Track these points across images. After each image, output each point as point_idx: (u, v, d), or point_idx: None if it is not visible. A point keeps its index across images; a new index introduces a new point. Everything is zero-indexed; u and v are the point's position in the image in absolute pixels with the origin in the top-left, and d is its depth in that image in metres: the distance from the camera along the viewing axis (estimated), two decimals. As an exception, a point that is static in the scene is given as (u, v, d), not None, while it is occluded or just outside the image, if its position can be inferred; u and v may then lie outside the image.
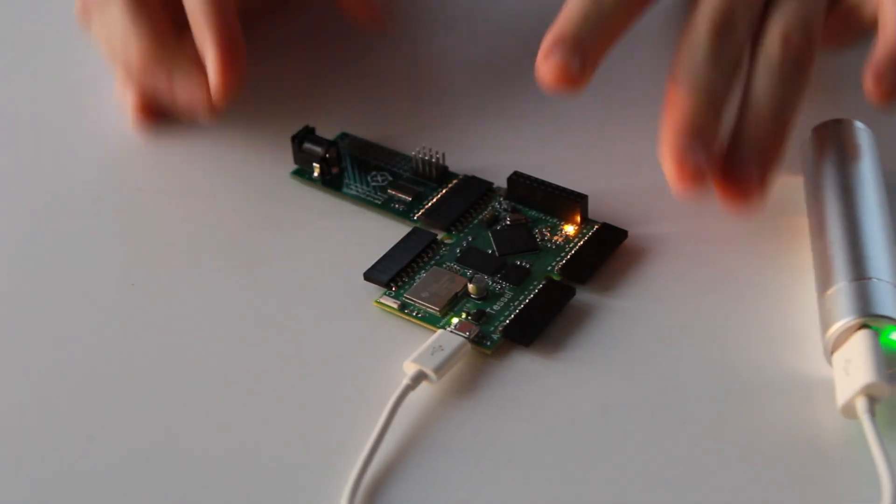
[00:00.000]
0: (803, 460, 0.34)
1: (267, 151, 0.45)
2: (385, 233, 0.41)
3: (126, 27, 0.42)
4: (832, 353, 0.35)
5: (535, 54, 0.45)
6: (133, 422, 0.36)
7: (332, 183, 0.44)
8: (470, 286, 0.38)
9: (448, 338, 0.36)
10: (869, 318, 0.35)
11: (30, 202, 0.44)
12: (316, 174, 0.44)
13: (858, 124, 0.42)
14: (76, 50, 0.49)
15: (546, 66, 0.39)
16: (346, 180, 0.44)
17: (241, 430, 0.35)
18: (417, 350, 0.36)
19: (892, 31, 0.40)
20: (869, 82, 0.39)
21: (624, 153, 0.45)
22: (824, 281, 0.37)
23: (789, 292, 0.39)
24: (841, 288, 0.36)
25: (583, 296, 0.39)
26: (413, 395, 0.35)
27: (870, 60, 0.40)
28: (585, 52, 0.39)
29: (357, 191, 0.43)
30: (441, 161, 0.43)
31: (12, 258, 0.42)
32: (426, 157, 0.43)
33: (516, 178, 0.42)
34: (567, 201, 0.41)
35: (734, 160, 0.38)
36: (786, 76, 0.39)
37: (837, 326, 0.35)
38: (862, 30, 0.43)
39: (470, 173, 0.43)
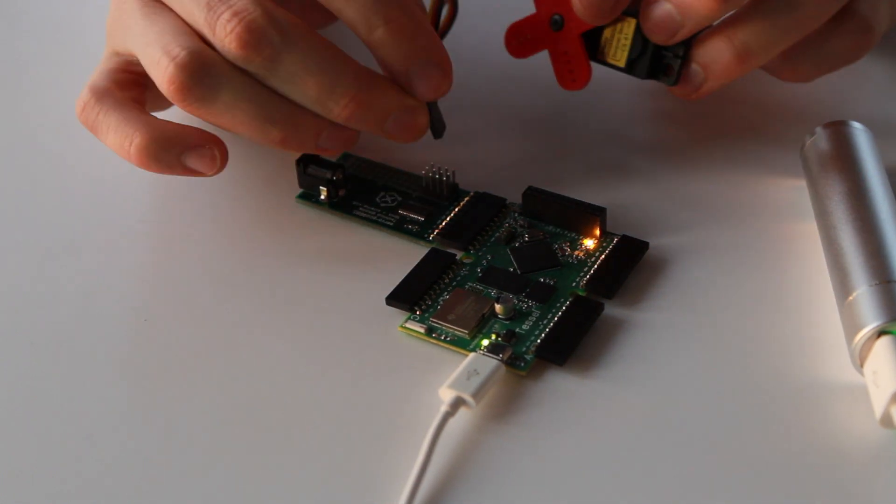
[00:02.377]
0: (842, 470, 0.33)
1: (268, 176, 0.44)
2: (400, 255, 0.41)
3: (126, 128, 0.39)
4: (861, 361, 0.35)
5: (540, 69, 0.44)
6: (159, 465, 0.34)
7: (340, 206, 0.42)
8: (497, 306, 0.37)
9: (482, 361, 0.35)
10: (891, 323, 0.34)
11: (37, 237, 0.43)
12: (323, 197, 0.42)
13: (857, 125, 0.42)
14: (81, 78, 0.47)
15: None
16: (355, 202, 0.43)
17: (279, 469, 0.34)
18: (452, 375, 0.35)
19: None
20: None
21: (633, 164, 0.45)
22: (844, 287, 0.36)
23: (809, 299, 0.38)
24: (862, 293, 0.36)
25: (610, 310, 0.38)
26: (452, 422, 0.34)
27: None
28: None
29: (367, 213, 0.42)
30: (451, 178, 0.42)
31: (24, 294, 0.40)
32: (436, 175, 0.42)
33: (531, 193, 0.41)
34: (585, 215, 0.40)
35: None
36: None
37: (864, 333, 0.35)
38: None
39: (480, 190, 0.43)
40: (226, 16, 0.37)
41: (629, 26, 0.42)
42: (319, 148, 0.40)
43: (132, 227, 0.43)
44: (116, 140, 0.39)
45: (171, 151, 0.39)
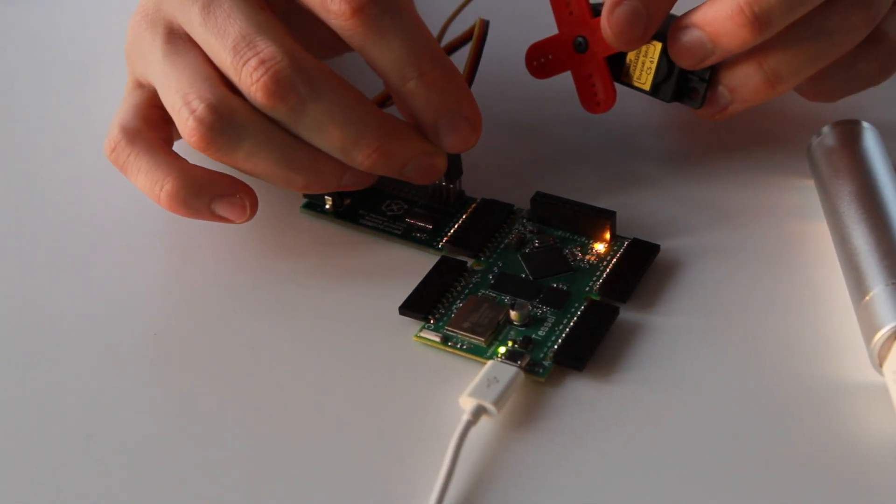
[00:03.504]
0: (865, 470, 0.33)
1: (271, 186, 0.44)
2: (409, 264, 0.40)
3: (157, 172, 0.38)
4: (881, 361, 0.35)
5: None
6: (175, 482, 0.34)
7: (345, 215, 0.42)
8: (512, 313, 0.37)
9: (501, 368, 0.35)
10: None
11: (44, 251, 0.42)
12: (328, 206, 0.42)
13: (865, 124, 0.42)
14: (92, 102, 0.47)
15: (615, 15, 0.39)
16: (361, 211, 0.42)
17: (301, 484, 0.33)
18: (471, 384, 0.35)
19: None
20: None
21: (638, 168, 0.44)
22: (859, 287, 0.36)
23: (822, 299, 0.38)
24: (878, 293, 0.35)
25: (625, 314, 0.38)
26: (473, 431, 0.34)
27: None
28: (655, 2, 0.39)
29: (374, 222, 0.42)
30: (458, 185, 0.42)
31: (31, 308, 0.40)
32: (442, 183, 0.42)
33: (540, 199, 0.41)
34: (595, 219, 0.40)
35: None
36: None
37: (883, 333, 0.35)
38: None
39: (486, 196, 0.42)
40: (252, 63, 0.36)
41: (655, 49, 0.41)
42: (341, 188, 0.39)
43: (137, 241, 0.42)
44: (147, 184, 0.38)
45: (202, 199, 0.38)
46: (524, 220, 0.41)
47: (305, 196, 0.43)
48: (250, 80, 0.36)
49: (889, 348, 0.35)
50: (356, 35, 0.37)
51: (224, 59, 0.37)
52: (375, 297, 0.39)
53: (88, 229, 0.43)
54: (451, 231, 0.41)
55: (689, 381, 0.36)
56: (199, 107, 0.36)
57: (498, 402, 0.34)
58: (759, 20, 0.38)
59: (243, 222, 0.39)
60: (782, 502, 0.32)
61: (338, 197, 0.42)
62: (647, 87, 0.42)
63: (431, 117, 0.38)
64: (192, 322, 0.39)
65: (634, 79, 0.42)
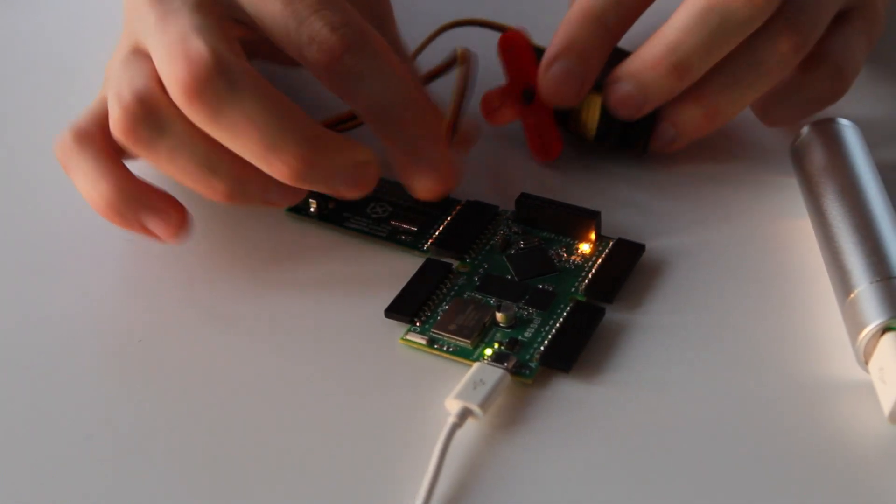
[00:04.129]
0: (853, 466, 0.33)
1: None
2: (395, 266, 0.40)
3: (94, 176, 0.38)
4: (866, 358, 0.35)
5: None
6: (159, 491, 0.33)
7: (330, 218, 0.42)
8: (498, 315, 0.37)
9: (487, 370, 0.35)
10: (894, 319, 0.34)
11: (26, 257, 0.42)
12: (313, 210, 0.42)
13: (846, 122, 0.42)
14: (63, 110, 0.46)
15: (549, 74, 0.40)
16: (345, 214, 0.42)
17: (288, 489, 0.33)
18: (457, 386, 0.34)
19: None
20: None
21: (621, 168, 0.44)
22: (844, 285, 0.36)
23: (807, 296, 0.38)
24: (863, 291, 0.35)
25: (611, 315, 0.38)
26: (459, 433, 0.34)
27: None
28: (588, 61, 0.40)
29: (359, 224, 0.42)
30: (442, 188, 0.42)
31: (17, 317, 0.39)
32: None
33: (524, 200, 0.41)
34: (580, 219, 0.40)
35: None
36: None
37: (867, 331, 0.35)
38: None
39: (470, 198, 0.42)
40: (179, 60, 0.35)
41: (596, 101, 0.42)
42: (267, 203, 0.38)
43: (118, 246, 0.42)
44: (84, 187, 0.38)
45: (132, 209, 0.38)
46: (509, 222, 0.41)
47: (288, 199, 0.42)
48: (171, 75, 0.35)
49: (874, 345, 0.35)
50: (332, 80, 0.37)
51: (158, 56, 0.36)
52: (361, 300, 0.39)
53: (72, 234, 0.43)
54: (436, 233, 0.41)
55: (675, 381, 0.36)
56: (128, 97, 0.36)
57: (484, 405, 0.34)
58: (679, 68, 0.40)
59: (171, 241, 0.39)
60: (770, 501, 0.32)
61: (322, 200, 0.42)
62: (591, 136, 0.43)
63: (412, 158, 0.38)
64: (175, 328, 0.38)
65: (580, 128, 0.44)
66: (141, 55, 0.38)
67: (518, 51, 0.43)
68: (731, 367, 0.36)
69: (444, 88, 0.41)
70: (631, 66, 0.41)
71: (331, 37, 0.36)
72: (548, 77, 0.41)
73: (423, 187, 0.39)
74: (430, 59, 0.44)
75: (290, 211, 0.42)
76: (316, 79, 0.38)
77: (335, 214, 0.42)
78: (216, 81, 0.35)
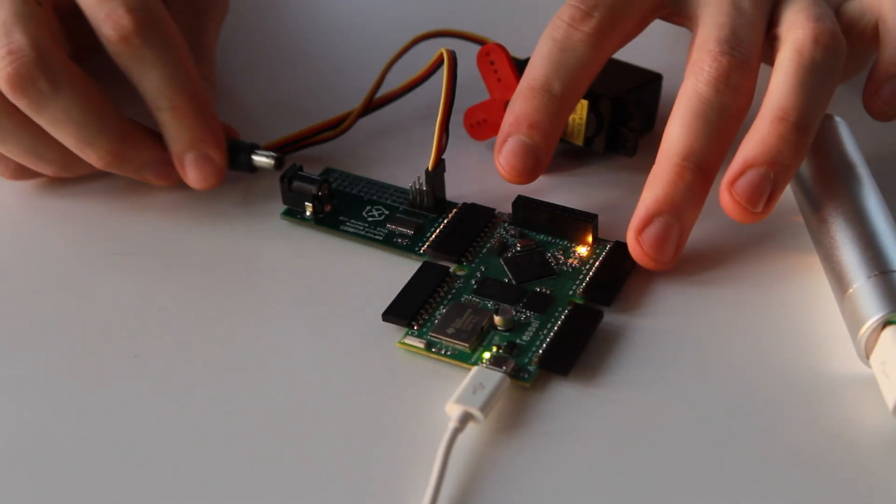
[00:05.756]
0: (858, 460, 0.33)
1: (249, 193, 0.43)
2: (391, 269, 0.40)
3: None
4: (867, 352, 0.35)
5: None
6: (162, 499, 0.33)
7: (326, 221, 0.42)
8: (496, 318, 0.37)
9: (486, 374, 0.35)
10: (894, 313, 0.35)
11: (19, 271, 0.42)
12: (308, 213, 0.42)
13: (837, 118, 0.42)
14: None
15: (503, 153, 0.39)
16: (342, 217, 0.42)
17: (289, 496, 0.33)
18: (457, 390, 0.34)
19: (892, 47, 0.40)
20: (867, 97, 0.40)
21: (617, 171, 0.44)
22: (841, 281, 0.37)
23: (805, 293, 0.39)
24: (861, 286, 0.36)
25: (609, 317, 0.38)
26: (460, 437, 0.34)
27: (869, 76, 0.39)
28: (542, 133, 0.39)
29: (355, 228, 0.41)
30: (437, 191, 0.42)
31: (10, 335, 0.39)
32: (423, 188, 0.42)
33: (521, 203, 0.41)
34: (577, 222, 0.40)
35: (745, 179, 0.37)
36: (809, 83, 0.38)
37: (868, 326, 0.35)
38: (862, 50, 0.42)
39: (466, 200, 0.42)
40: (2, 52, 0.38)
41: (582, 107, 0.43)
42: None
43: (110, 258, 0.41)
44: None
45: None
46: (505, 224, 0.41)
47: (285, 203, 0.42)
48: None
49: (875, 340, 0.35)
50: (120, 58, 0.39)
51: None
52: (358, 304, 0.39)
53: (63, 248, 0.42)
54: (433, 236, 0.41)
55: (675, 383, 0.36)
56: None
57: (484, 409, 0.34)
58: (800, 126, 0.37)
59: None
60: (775, 498, 0.32)
61: (318, 203, 0.42)
62: (579, 142, 0.44)
63: (178, 149, 0.41)
64: (174, 333, 0.38)
65: (567, 135, 0.44)
66: None
67: (498, 63, 0.43)
68: (731, 367, 0.36)
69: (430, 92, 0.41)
70: (750, 149, 0.38)
71: (125, 17, 0.39)
72: (502, 155, 0.40)
73: (199, 176, 0.41)
74: (406, 70, 0.45)
75: (287, 215, 0.42)
76: None
77: (331, 218, 0.42)
78: (37, 78, 0.38)
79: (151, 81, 0.40)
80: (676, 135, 0.38)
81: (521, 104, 0.39)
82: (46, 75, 0.38)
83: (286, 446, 0.34)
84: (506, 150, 0.39)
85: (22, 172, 0.42)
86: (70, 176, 0.42)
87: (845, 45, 0.39)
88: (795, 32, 0.38)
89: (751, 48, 0.38)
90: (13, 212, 0.44)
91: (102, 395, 0.36)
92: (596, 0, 0.40)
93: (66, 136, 0.39)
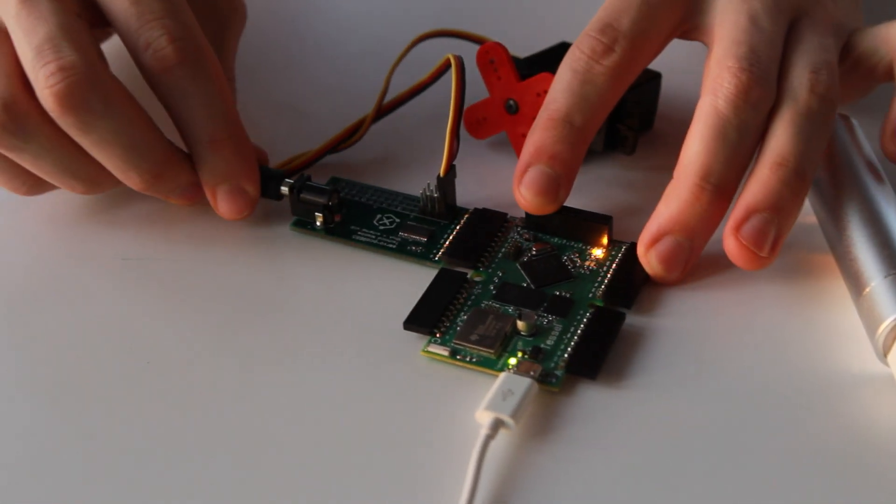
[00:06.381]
0: (879, 458, 0.33)
1: (259, 210, 0.43)
2: (407, 277, 0.40)
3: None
4: (885, 351, 0.35)
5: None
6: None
7: (337, 231, 0.41)
8: (519, 323, 0.37)
9: (514, 380, 0.35)
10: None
11: (31, 281, 0.41)
12: (319, 223, 0.41)
13: (847, 117, 0.42)
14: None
15: (524, 182, 0.39)
16: (353, 227, 0.41)
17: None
18: (486, 397, 0.34)
19: None
20: (884, 139, 0.39)
21: (626, 173, 0.44)
22: (858, 280, 0.37)
23: (821, 292, 0.39)
24: (878, 285, 0.36)
25: (631, 319, 0.38)
26: (492, 445, 0.33)
27: (886, 118, 0.39)
28: (563, 163, 0.39)
29: (367, 237, 0.41)
30: (449, 197, 0.41)
31: (25, 342, 0.38)
32: (434, 195, 0.41)
33: (535, 206, 0.41)
34: (592, 225, 0.40)
35: (750, 224, 0.37)
36: (807, 131, 0.38)
37: (886, 325, 0.35)
38: (870, 82, 0.42)
39: (474, 205, 0.42)
40: (51, 67, 0.36)
41: None
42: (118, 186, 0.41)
43: (119, 266, 0.41)
44: None
45: None
46: (518, 229, 0.41)
47: (294, 214, 0.42)
48: (45, 84, 0.36)
49: (893, 338, 0.35)
50: (159, 88, 0.38)
51: (27, 57, 0.37)
52: (377, 314, 0.38)
53: (76, 256, 0.42)
54: (447, 243, 0.40)
55: (701, 382, 0.36)
56: None
57: (515, 415, 0.34)
58: (799, 172, 0.37)
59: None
60: (801, 498, 0.32)
61: (328, 213, 0.41)
62: None
63: (212, 180, 0.40)
64: (185, 349, 0.37)
65: None
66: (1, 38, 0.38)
67: (497, 63, 0.43)
68: (753, 367, 0.36)
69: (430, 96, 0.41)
70: (753, 196, 0.37)
71: (167, 47, 0.38)
72: (523, 185, 0.39)
73: (232, 208, 0.40)
74: (407, 71, 0.44)
75: (295, 225, 0.42)
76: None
77: (342, 227, 0.41)
78: (90, 96, 0.36)
79: (190, 113, 0.39)
80: (694, 152, 0.37)
81: (541, 134, 0.39)
82: (99, 94, 0.36)
83: (315, 460, 0.34)
84: (527, 179, 0.39)
85: (39, 189, 0.41)
86: (96, 193, 0.41)
87: (840, 95, 0.39)
88: (794, 81, 0.38)
89: (769, 65, 0.38)
90: (22, 216, 0.43)
91: (113, 401, 0.36)
92: (616, 33, 0.39)
93: (109, 158, 0.38)
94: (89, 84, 0.36)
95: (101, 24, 0.39)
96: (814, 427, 0.34)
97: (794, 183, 0.37)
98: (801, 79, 0.38)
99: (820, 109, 0.38)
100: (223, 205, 0.40)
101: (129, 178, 0.39)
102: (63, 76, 0.36)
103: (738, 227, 0.37)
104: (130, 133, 0.38)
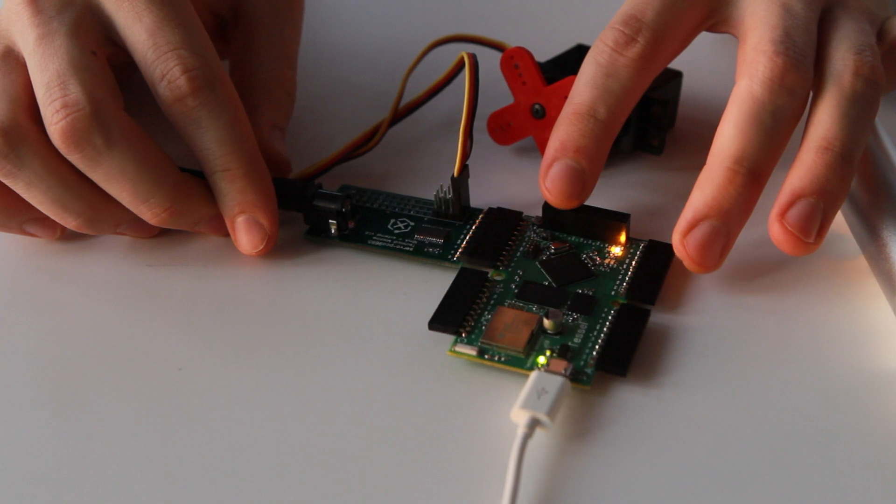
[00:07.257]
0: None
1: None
2: (426, 279, 0.39)
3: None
4: None
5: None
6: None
7: (352, 237, 0.41)
8: (546, 322, 0.37)
9: (547, 379, 0.34)
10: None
11: (60, 287, 0.40)
12: (333, 231, 0.41)
13: (876, 120, 0.42)
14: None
15: (549, 175, 0.38)
16: (367, 232, 0.41)
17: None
18: (521, 396, 0.34)
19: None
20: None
21: (640, 170, 0.44)
22: (892, 279, 0.37)
23: (847, 285, 0.39)
24: None
25: (655, 316, 0.38)
26: (529, 444, 0.33)
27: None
28: (588, 157, 0.38)
29: (383, 241, 0.41)
30: (463, 198, 0.41)
31: (57, 347, 0.38)
32: (448, 196, 0.41)
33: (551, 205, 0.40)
34: (610, 222, 0.40)
35: (796, 209, 0.37)
36: (852, 115, 0.37)
37: None
38: None
39: (486, 205, 0.42)
40: (57, 104, 0.37)
41: None
42: (118, 233, 0.41)
43: (141, 273, 0.40)
44: None
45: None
46: (535, 227, 0.41)
47: (307, 223, 0.41)
48: (51, 120, 0.37)
49: None
50: (175, 119, 0.38)
51: (39, 92, 0.37)
52: (399, 316, 0.38)
53: (101, 263, 0.41)
54: (464, 243, 0.40)
55: (732, 379, 0.35)
56: None
57: (551, 413, 0.33)
58: (845, 156, 0.37)
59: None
60: (839, 498, 0.32)
61: (342, 220, 0.41)
62: None
63: (230, 212, 0.40)
64: (214, 355, 0.37)
65: None
66: (14, 64, 0.38)
67: (522, 67, 0.43)
68: (783, 363, 0.36)
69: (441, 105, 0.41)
70: (799, 181, 0.37)
71: (180, 77, 0.38)
72: (549, 179, 0.39)
73: (248, 241, 0.40)
74: (421, 77, 0.44)
75: (310, 234, 0.41)
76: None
77: (357, 233, 0.41)
78: (92, 133, 0.37)
79: (205, 143, 0.38)
80: (728, 136, 0.37)
81: (567, 129, 0.39)
82: (101, 130, 0.37)
83: (352, 462, 0.33)
84: (552, 174, 0.39)
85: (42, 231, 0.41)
86: (91, 232, 0.40)
87: (884, 77, 0.39)
88: (836, 64, 0.38)
89: (804, 49, 0.38)
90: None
91: (145, 407, 0.35)
92: (640, 24, 0.39)
93: (120, 193, 0.38)
94: (92, 121, 0.36)
95: (124, 57, 0.39)
96: (852, 427, 0.34)
97: (840, 167, 0.37)
98: (845, 61, 0.38)
99: (865, 92, 0.38)
100: (241, 237, 0.40)
101: (142, 212, 0.39)
102: (66, 113, 0.36)
103: (783, 213, 0.37)
104: (137, 169, 0.37)
